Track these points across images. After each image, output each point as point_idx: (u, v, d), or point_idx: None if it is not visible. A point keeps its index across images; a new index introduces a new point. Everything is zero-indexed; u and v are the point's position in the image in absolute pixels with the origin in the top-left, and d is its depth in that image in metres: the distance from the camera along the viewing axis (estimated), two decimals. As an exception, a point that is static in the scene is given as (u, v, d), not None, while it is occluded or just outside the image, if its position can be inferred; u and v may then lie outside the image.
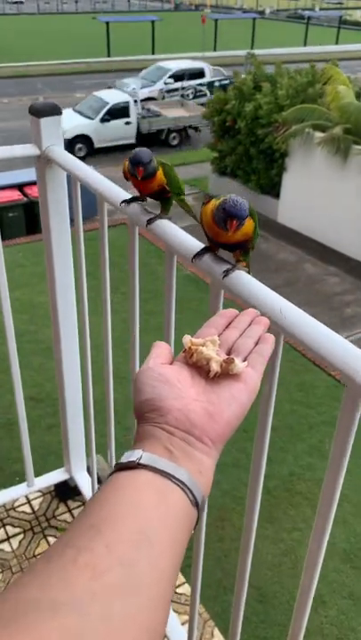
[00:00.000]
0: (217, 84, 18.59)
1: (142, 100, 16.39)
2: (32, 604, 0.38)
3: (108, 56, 28.88)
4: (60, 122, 1.22)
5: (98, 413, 1.58)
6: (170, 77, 18.33)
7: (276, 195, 10.47)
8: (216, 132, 11.25)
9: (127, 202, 1.09)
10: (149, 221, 1.04)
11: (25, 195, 9.08)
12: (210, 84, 18.69)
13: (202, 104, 16.60)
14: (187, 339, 0.60)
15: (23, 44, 32.25)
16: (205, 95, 17.77)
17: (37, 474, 1.83)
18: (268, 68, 11.01)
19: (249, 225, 0.86)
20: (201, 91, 18.53)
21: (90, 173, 1.17)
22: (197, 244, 0.96)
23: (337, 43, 35.35)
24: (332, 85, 9.35)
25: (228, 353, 0.61)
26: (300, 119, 9.42)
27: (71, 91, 21.96)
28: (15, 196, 9.02)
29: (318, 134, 9.26)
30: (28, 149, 1.26)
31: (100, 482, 1.75)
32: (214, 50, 31.44)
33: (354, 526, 4.44)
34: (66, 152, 1.22)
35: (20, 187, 9.08)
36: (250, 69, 11.03)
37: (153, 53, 29.94)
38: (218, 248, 0.95)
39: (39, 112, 1.20)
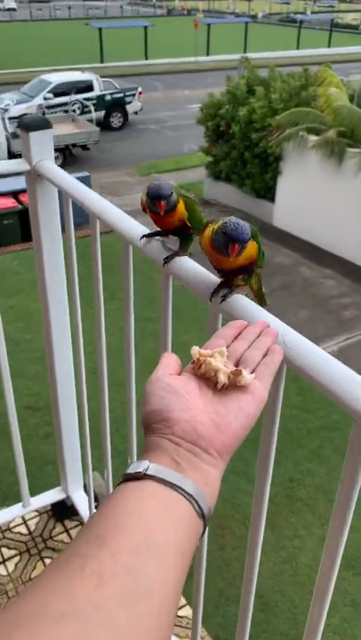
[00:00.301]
0: (108, 97, 17.02)
1: (18, 117, 13.89)
2: (36, 612, 0.38)
3: (102, 62, 28.90)
4: (50, 136, 1.19)
5: (94, 430, 1.55)
6: (50, 92, 16.23)
7: (272, 198, 10.47)
8: (210, 136, 11.25)
9: (147, 236, 1.01)
10: (166, 260, 0.95)
11: (19, 202, 9.06)
12: (100, 98, 16.88)
13: (90, 120, 15.43)
14: (195, 350, 0.61)
15: (16, 51, 32.25)
16: (90, 111, 16.28)
17: (35, 484, 1.79)
18: (261, 71, 11.03)
19: (252, 247, 0.81)
20: (87, 106, 16.53)
21: (82, 190, 1.12)
22: (216, 280, 0.91)
23: (329, 46, 35.48)
24: (325, 88, 9.36)
25: (237, 364, 0.61)
26: (294, 123, 9.43)
27: (65, 97, 21.93)
28: (9, 203, 9.00)
29: (312, 137, 9.26)
30: (17, 165, 1.22)
31: (97, 500, 1.71)
32: (207, 54, 31.53)
33: (357, 533, 4.41)
34: (57, 167, 1.18)
35: (15, 194, 9.06)
36: (243, 73, 11.03)
37: (146, 59, 30.01)
38: (231, 278, 0.88)
39: (29, 126, 1.16)
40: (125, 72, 26.68)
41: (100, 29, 28.50)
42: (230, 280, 0.87)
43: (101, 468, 1.52)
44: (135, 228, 1.05)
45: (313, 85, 9.86)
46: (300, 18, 40.60)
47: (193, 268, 0.92)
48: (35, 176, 1.23)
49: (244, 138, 10.35)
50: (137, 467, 0.51)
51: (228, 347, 0.64)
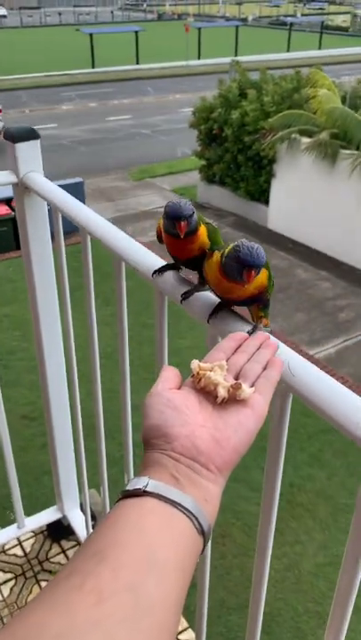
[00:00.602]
0: None
1: None
2: (35, 631, 0.38)
3: (93, 67, 28.93)
4: (38, 146, 1.14)
5: (90, 442, 1.51)
6: None
7: (266, 201, 10.46)
8: (203, 140, 11.24)
9: (159, 272, 0.91)
10: (185, 296, 0.85)
11: (13, 209, 9.01)
12: None
13: None
14: (195, 364, 0.60)
15: (7, 58, 32.25)
16: None
17: (32, 495, 1.75)
18: (253, 74, 11.03)
19: (263, 275, 0.75)
20: None
21: (73, 205, 1.06)
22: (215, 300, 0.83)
23: (320, 48, 35.61)
24: (317, 90, 9.36)
25: (236, 378, 0.60)
26: (286, 125, 9.42)
27: (57, 103, 21.95)
28: (3, 210, 8.93)
29: (305, 140, 9.26)
30: (4, 177, 1.18)
31: (94, 518, 1.67)
32: (198, 58, 31.60)
33: None
34: (46, 180, 1.13)
35: (8, 201, 9.00)
36: (235, 77, 11.03)
37: (137, 63, 30.05)
38: (232, 304, 0.82)
39: (14, 137, 1.11)
40: (117, 77, 26.72)
41: (90, 35, 28.54)
42: (230, 305, 0.82)
43: (98, 483, 1.48)
44: (129, 245, 0.98)
45: (305, 88, 9.86)
46: (290, 20, 40.73)
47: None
48: (22, 189, 1.19)
49: (237, 141, 10.34)
50: (136, 483, 0.51)
51: (227, 360, 0.63)
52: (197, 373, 0.59)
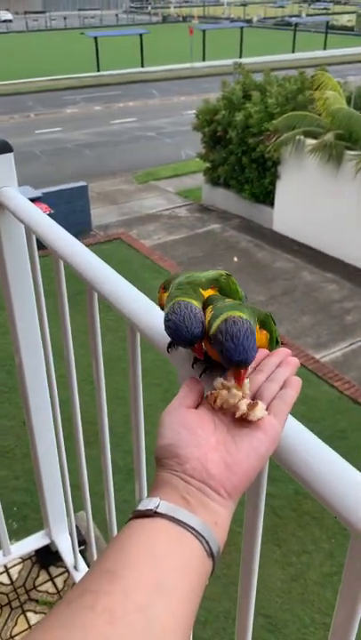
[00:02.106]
0: None
1: None
2: None
3: (98, 71, 28.97)
4: (12, 160, 1.08)
5: (89, 456, 1.45)
6: None
7: (271, 203, 10.39)
8: (207, 142, 11.19)
9: (173, 347, 0.71)
10: (202, 374, 0.65)
11: None
12: None
13: None
14: (218, 382, 0.59)
15: (13, 62, 32.38)
16: None
17: (29, 505, 1.68)
18: (258, 75, 10.97)
19: (261, 339, 0.63)
20: None
21: (49, 228, 0.97)
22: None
23: (325, 48, 35.47)
24: (322, 91, 9.29)
25: (253, 397, 0.59)
26: (291, 126, 9.36)
27: (62, 106, 21.98)
28: None
29: (310, 141, 9.19)
30: (-26, 192, 1.12)
31: (84, 543, 1.61)
32: (203, 60, 31.57)
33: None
34: (21, 196, 1.05)
35: None
36: (239, 79, 10.97)
37: (142, 66, 30.07)
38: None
39: None
40: (122, 80, 26.74)
41: (95, 38, 28.59)
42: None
43: (98, 502, 1.41)
44: (107, 276, 0.86)
45: (309, 89, 9.78)
46: (295, 21, 40.61)
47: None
48: (-4, 204, 1.13)
49: (241, 143, 10.28)
50: (147, 504, 0.51)
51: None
52: (212, 393, 0.58)
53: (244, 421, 0.56)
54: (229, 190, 11.04)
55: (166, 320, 0.61)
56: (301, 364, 6.58)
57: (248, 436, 0.55)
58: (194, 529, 0.49)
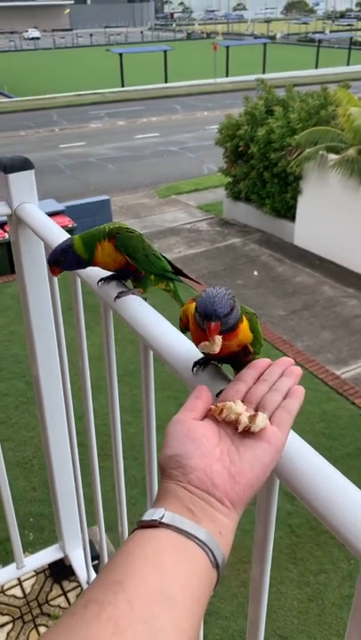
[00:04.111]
0: None
1: None
2: None
3: (122, 86, 29.41)
4: (33, 177, 1.10)
5: (103, 470, 1.45)
6: None
7: (292, 218, 10.37)
8: (229, 157, 11.24)
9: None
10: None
11: (7, 233, 8.85)
12: None
13: None
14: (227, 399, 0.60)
15: (39, 78, 33.07)
16: None
17: (46, 516, 1.68)
18: (280, 91, 11.01)
19: (243, 328, 0.67)
20: None
21: None
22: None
23: (348, 64, 35.52)
24: (345, 107, 9.28)
25: (257, 409, 0.60)
26: (313, 142, 9.35)
27: (86, 121, 22.33)
28: None
29: (332, 156, 9.17)
30: (-2, 208, 1.14)
31: (97, 558, 1.60)
32: (226, 76, 31.84)
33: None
34: (40, 212, 1.08)
35: (2, 225, 8.82)
36: (261, 94, 11.03)
37: (166, 82, 30.44)
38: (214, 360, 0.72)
39: (6, 167, 1.07)
40: (145, 95, 27.09)
41: (120, 55, 29.08)
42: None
43: (112, 517, 1.41)
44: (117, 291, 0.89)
45: (332, 104, 9.79)
46: (318, 37, 40.78)
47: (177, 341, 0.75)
48: (16, 220, 1.15)
49: (263, 158, 10.31)
50: (152, 514, 0.51)
51: (249, 389, 0.63)
52: (217, 405, 0.59)
53: (248, 432, 0.56)
54: (250, 205, 11.06)
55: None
56: (321, 379, 6.52)
57: (252, 447, 0.56)
58: (199, 539, 0.50)
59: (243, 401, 0.61)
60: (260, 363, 0.66)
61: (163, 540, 0.49)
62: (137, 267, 0.83)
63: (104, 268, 0.87)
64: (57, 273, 0.86)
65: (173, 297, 0.93)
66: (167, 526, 0.50)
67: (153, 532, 0.50)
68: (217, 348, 0.64)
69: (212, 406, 0.59)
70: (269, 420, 0.58)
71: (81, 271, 0.92)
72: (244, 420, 0.56)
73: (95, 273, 0.89)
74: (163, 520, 0.50)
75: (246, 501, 0.55)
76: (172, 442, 0.56)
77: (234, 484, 0.53)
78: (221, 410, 0.58)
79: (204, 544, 0.50)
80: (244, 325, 0.68)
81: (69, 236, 0.97)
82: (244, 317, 0.68)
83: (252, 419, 0.56)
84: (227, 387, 0.63)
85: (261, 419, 0.56)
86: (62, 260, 0.84)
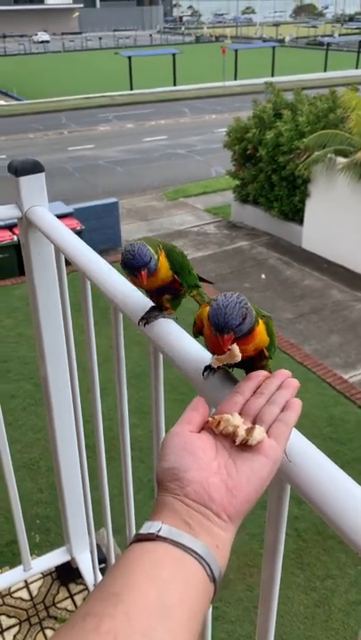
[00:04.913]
0: None
1: None
2: None
3: (131, 89, 29.51)
4: (43, 180, 1.10)
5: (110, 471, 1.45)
6: None
7: (300, 221, 10.35)
8: (237, 160, 11.24)
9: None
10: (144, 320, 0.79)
11: (16, 235, 8.88)
12: None
13: None
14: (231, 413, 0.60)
15: (49, 81, 33.24)
16: None
17: (52, 518, 1.67)
18: (289, 94, 11.01)
19: (260, 332, 0.66)
20: None
21: (78, 247, 0.98)
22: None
23: (357, 67, 35.45)
24: (354, 111, 9.26)
25: (254, 422, 0.59)
26: (321, 145, 9.34)
27: (95, 124, 22.41)
28: (6, 236, 8.73)
29: (341, 159, 9.15)
30: (8, 211, 1.14)
31: (104, 562, 1.59)
32: (235, 79, 31.87)
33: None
34: (50, 215, 1.08)
35: (11, 227, 8.86)
36: (270, 97, 11.03)
37: (174, 85, 30.51)
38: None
39: (17, 170, 1.07)
40: (154, 98, 27.16)
41: (129, 58, 29.18)
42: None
43: (119, 521, 1.40)
44: (130, 297, 0.88)
45: (340, 107, 9.77)
46: (327, 40, 40.76)
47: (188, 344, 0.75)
48: (27, 223, 1.15)
49: (271, 161, 10.30)
50: (149, 527, 0.51)
51: (246, 402, 0.62)
52: (213, 418, 0.59)
53: (245, 445, 0.56)
54: (258, 208, 11.05)
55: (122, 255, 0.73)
56: (329, 383, 6.49)
57: (249, 460, 0.56)
58: (196, 553, 0.49)
59: (240, 413, 0.61)
60: (258, 375, 0.65)
61: (160, 553, 0.49)
62: (181, 283, 0.80)
63: (151, 284, 0.79)
64: (145, 277, 0.76)
65: (199, 302, 0.89)
66: (164, 539, 0.50)
67: (150, 545, 0.50)
68: (238, 358, 0.63)
69: (210, 418, 0.59)
70: (267, 432, 0.58)
71: (95, 277, 0.91)
72: (242, 432, 0.56)
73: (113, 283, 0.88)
74: (160, 533, 0.50)
75: (243, 515, 0.54)
76: (168, 454, 0.56)
77: (231, 498, 0.53)
78: (219, 422, 0.58)
79: (201, 557, 0.49)
80: (261, 329, 0.67)
81: (81, 241, 0.95)
82: (260, 320, 0.67)
83: (249, 431, 0.56)
84: (226, 397, 0.63)
85: (259, 432, 0.56)
86: (149, 264, 0.76)
